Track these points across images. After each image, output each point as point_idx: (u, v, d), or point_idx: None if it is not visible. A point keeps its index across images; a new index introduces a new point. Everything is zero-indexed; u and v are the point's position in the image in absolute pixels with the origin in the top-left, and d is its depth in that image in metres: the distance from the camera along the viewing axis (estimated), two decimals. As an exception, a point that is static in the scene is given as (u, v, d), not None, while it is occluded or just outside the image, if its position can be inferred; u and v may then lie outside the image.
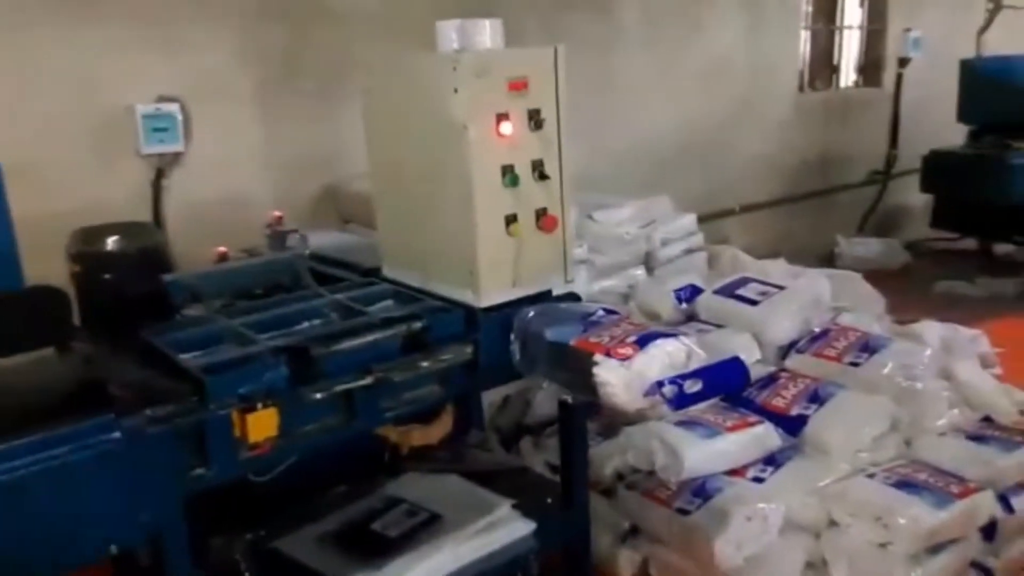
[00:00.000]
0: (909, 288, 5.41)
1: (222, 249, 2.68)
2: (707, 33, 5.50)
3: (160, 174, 3.46)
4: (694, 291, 3.64)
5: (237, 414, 1.78)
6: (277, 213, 2.88)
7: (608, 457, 2.86)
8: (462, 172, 2.10)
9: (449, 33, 2.17)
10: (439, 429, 2.55)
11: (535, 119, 2.14)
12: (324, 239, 2.94)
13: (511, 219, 2.15)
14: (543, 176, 2.18)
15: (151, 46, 3.40)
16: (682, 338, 1.99)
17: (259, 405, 1.79)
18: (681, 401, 1.91)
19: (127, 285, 2.21)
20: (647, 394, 1.88)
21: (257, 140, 3.73)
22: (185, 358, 1.91)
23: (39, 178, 3.12)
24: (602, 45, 4.91)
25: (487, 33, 2.14)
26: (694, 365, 1.95)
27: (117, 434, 1.64)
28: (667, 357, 1.93)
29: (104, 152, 3.35)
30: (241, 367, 1.85)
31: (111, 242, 2.25)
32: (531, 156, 2.16)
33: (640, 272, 3.91)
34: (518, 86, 2.11)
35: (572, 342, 2.01)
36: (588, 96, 4.17)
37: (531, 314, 2.14)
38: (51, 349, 1.93)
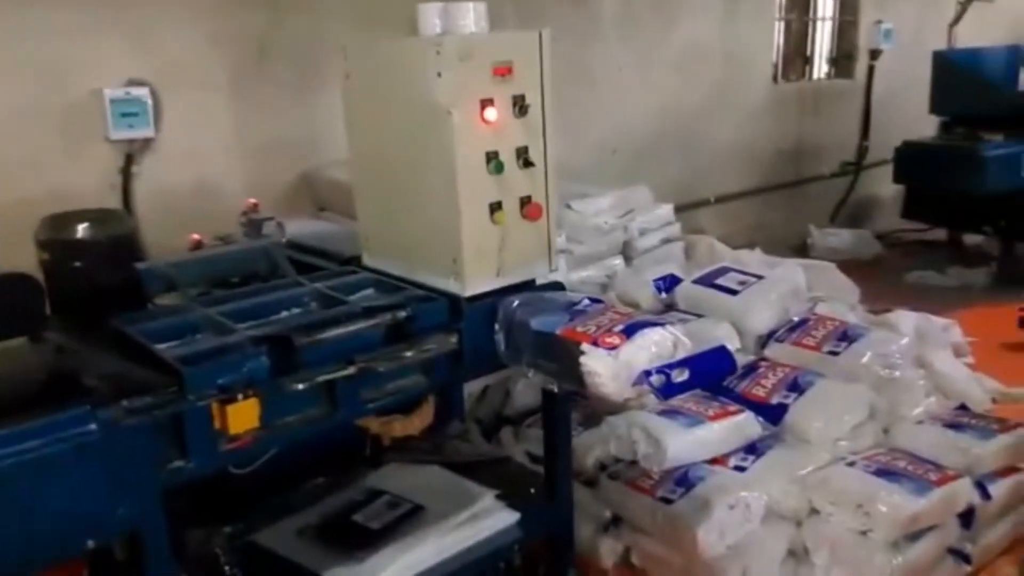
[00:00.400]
0: (881, 278, 5.47)
1: (196, 236, 2.61)
2: (683, 23, 5.49)
3: (130, 160, 3.36)
4: (673, 281, 3.64)
5: (217, 405, 1.73)
6: (252, 200, 2.81)
7: (590, 447, 2.86)
8: (446, 159, 2.06)
9: (431, 16, 2.12)
10: (420, 420, 2.51)
11: (520, 105, 2.11)
12: (301, 227, 2.88)
13: (495, 207, 2.12)
14: (528, 163, 2.15)
15: (119, 29, 3.29)
16: (668, 327, 1.98)
17: (239, 396, 1.75)
18: (668, 390, 1.90)
19: (98, 273, 2.14)
20: (635, 384, 1.87)
21: (230, 126, 3.64)
22: (162, 348, 1.86)
23: (4, 165, 3.04)
24: (580, 34, 4.87)
25: (471, 17, 2.09)
26: (681, 354, 1.94)
27: (93, 426, 1.58)
28: (654, 346, 1.92)
29: (72, 137, 3.25)
30: (220, 357, 1.80)
31: (81, 229, 2.17)
32: (516, 143, 2.13)
33: (618, 262, 3.91)
34: (503, 71, 2.07)
35: (558, 331, 1.99)
36: (566, 85, 4.14)
37: (516, 303, 2.12)
38: (23, 339, 1.87)
